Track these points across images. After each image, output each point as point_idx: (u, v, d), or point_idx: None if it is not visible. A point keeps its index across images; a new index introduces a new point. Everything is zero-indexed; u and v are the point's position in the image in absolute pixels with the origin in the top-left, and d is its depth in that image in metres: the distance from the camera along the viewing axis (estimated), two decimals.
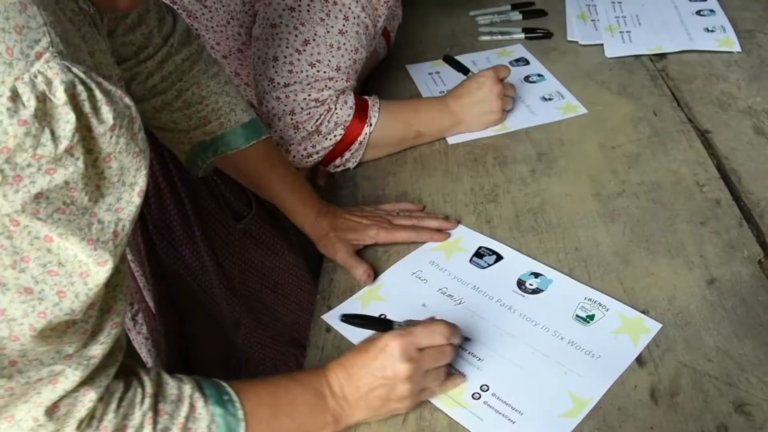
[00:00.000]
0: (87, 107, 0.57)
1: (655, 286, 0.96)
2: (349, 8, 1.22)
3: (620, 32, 1.54)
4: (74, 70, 0.57)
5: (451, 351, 0.85)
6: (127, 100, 0.61)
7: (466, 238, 1.09)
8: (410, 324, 0.88)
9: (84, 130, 0.57)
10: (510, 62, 1.49)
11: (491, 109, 1.28)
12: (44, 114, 0.55)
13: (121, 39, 0.98)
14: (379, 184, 1.23)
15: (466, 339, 0.91)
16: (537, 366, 0.89)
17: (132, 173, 0.62)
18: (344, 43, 1.22)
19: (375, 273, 1.05)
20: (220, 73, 1.10)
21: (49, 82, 0.55)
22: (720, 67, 1.40)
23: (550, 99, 1.36)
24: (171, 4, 1.32)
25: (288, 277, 1.50)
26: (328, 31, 1.20)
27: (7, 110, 0.53)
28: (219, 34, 1.33)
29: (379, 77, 1.51)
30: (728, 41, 1.46)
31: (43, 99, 0.55)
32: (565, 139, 1.26)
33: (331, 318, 1.00)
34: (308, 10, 1.20)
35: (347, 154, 1.24)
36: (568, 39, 1.55)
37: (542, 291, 0.98)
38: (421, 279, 1.04)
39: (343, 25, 1.22)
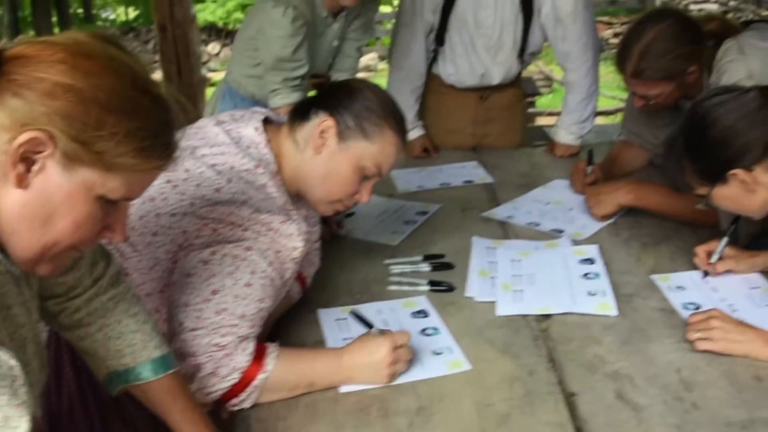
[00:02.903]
0: None
1: None
2: (257, 264, 1.37)
3: (513, 290, 1.70)
4: None
5: None
6: (12, 362, 0.76)
7: None
8: None
9: None
10: (412, 313, 1.63)
11: (380, 374, 1.39)
12: None
13: (54, 280, 1.12)
14: (270, 427, 1.32)
15: None
16: None
17: (15, 419, 0.75)
18: (250, 294, 1.36)
19: None
20: (140, 313, 1.24)
21: None
22: (596, 330, 1.54)
23: (440, 353, 1.48)
24: (107, 244, 1.46)
25: None
26: (235, 283, 1.35)
27: None
28: (144, 275, 1.46)
29: (290, 319, 1.63)
30: (607, 305, 1.62)
31: None
32: (445, 394, 1.36)
33: None
34: (219, 264, 1.36)
35: (243, 395, 1.34)
36: (466, 295, 1.70)
37: None
38: None
39: (250, 278, 1.36)
